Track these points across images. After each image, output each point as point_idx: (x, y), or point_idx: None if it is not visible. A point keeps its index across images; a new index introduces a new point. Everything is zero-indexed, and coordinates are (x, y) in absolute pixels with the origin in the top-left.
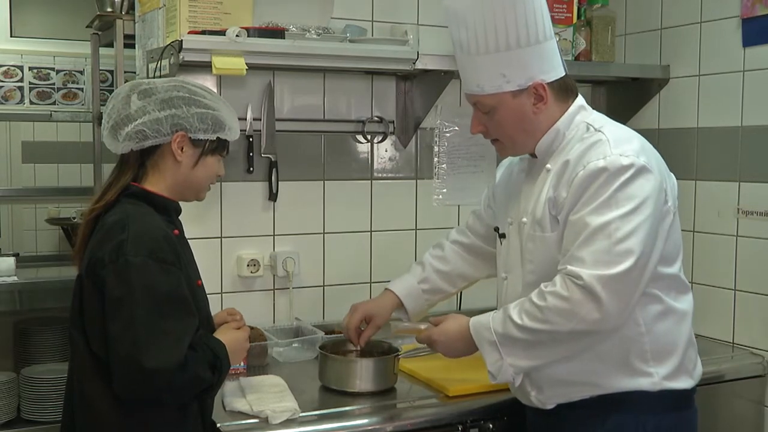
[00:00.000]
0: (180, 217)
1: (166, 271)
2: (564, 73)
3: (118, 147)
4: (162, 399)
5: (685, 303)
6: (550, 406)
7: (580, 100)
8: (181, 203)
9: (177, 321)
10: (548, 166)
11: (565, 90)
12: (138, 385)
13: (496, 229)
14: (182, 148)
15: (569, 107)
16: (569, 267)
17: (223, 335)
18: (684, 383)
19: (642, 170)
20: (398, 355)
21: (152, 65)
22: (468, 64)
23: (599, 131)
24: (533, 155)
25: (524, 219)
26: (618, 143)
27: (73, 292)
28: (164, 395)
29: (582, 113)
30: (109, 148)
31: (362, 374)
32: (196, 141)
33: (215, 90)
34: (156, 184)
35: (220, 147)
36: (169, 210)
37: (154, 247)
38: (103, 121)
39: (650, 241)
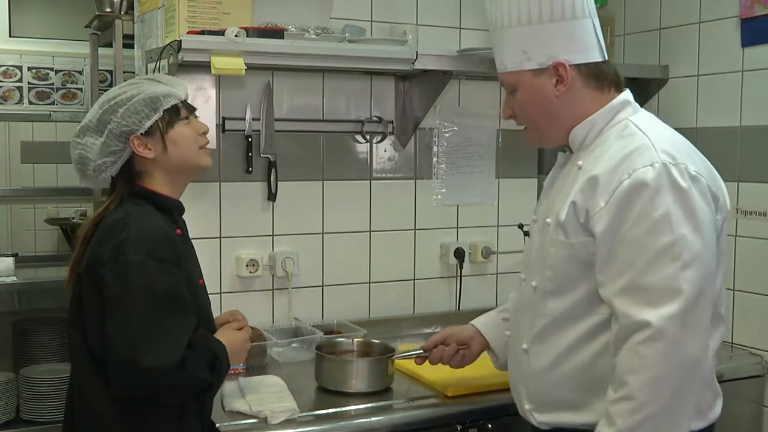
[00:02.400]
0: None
1: (166, 270)
2: (600, 59)
3: (98, 183)
4: (159, 398)
5: (712, 340)
6: (543, 428)
7: (626, 95)
8: (183, 202)
9: (175, 320)
10: (580, 162)
11: (598, 77)
12: (135, 384)
13: (520, 227)
14: (146, 146)
15: (611, 100)
16: (634, 312)
17: (223, 336)
18: (694, 424)
19: (694, 180)
20: (393, 356)
21: (151, 65)
22: (495, 40)
23: (642, 132)
24: (569, 149)
25: (548, 219)
26: (665, 148)
27: (72, 291)
28: (162, 395)
29: (627, 110)
30: (95, 188)
31: (358, 374)
32: (149, 131)
33: (213, 90)
34: (153, 184)
35: (173, 117)
36: (171, 209)
37: (153, 246)
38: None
39: (713, 261)
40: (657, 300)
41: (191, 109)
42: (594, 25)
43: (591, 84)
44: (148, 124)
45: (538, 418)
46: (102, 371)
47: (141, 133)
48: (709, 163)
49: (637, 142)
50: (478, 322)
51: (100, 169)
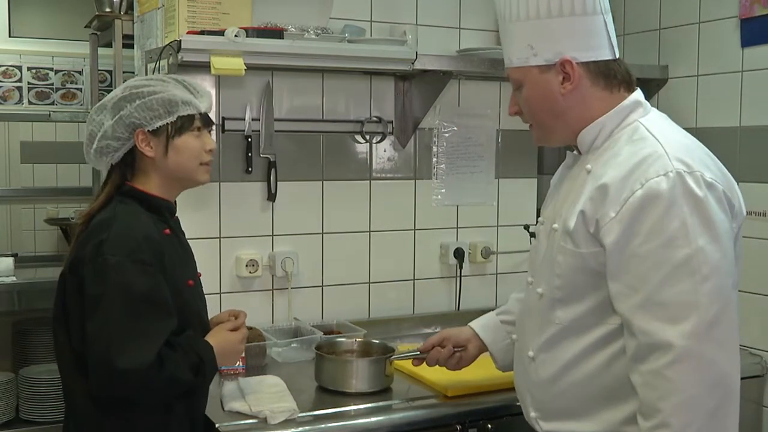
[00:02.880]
0: (178, 217)
1: (144, 271)
2: (611, 57)
3: (100, 164)
4: (136, 399)
5: None
6: None
7: (637, 95)
8: (181, 201)
9: (151, 322)
10: (588, 166)
11: (607, 77)
12: (111, 384)
13: (526, 228)
14: (149, 144)
15: (621, 100)
16: (654, 330)
17: (214, 336)
18: None
19: (710, 188)
20: (391, 356)
21: (151, 65)
22: (503, 33)
23: (653, 136)
24: (578, 150)
25: (555, 225)
26: (678, 156)
27: (57, 290)
28: (138, 395)
29: (638, 111)
30: (94, 167)
31: (358, 374)
32: (157, 131)
33: (213, 90)
34: (145, 183)
35: (186, 125)
36: (160, 209)
37: (133, 247)
38: None
39: (733, 270)
40: (675, 316)
41: (208, 124)
42: (606, 22)
43: (600, 83)
44: (158, 124)
45: (544, 427)
46: (86, 370)
47: (148, 130)
48: (723, 167)
49: (649, 149)
50: (476, 324)
51: (102, 151)
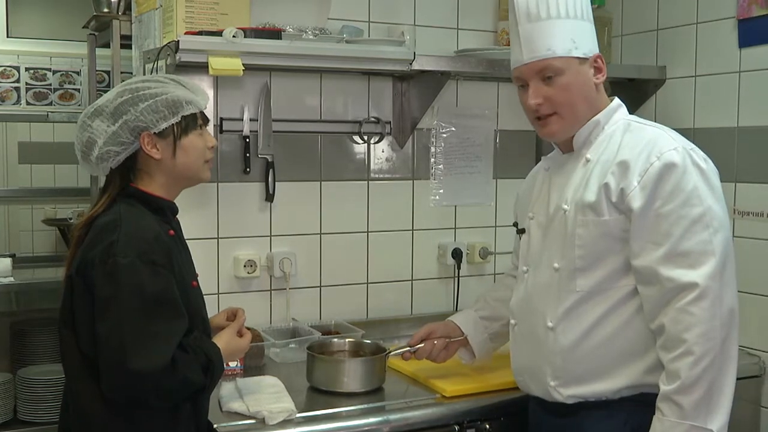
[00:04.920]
0: (177, 217)
1: (155, 272)
2: None
3: (98, 170)
4: (149, 401)
5: None
6: (570, 401)
7: (618, 100)
8: (179, 202)
9: (165, 323)
10: (588, 156)
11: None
12: (124, 386)
13: (515, 225)
14: (155, 146)
15: (609, 102)
16: (679, 275)
17: (220, 339)
18: None
19: (706, 162)
20: (385, 354)
21: (149, 66)
22: (536, 30)
23: (650, 126)
24: (563, 150)
25: (565, 206)
26: (676, 138)
27: (63, 292)
28: (151, 397)
29: (621, 111)
30: (92, 174)
31: (350, 374)
32: (162, 132)
33: (211, 91)
34: (149, 185)
35: (191, 124)
36: (164, 210)
37: (144, 249)
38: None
39: (729, 226)
40: (696, 263)
41: (206, 120)
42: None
43: (603, 84)
44: (165, 125)
45: (565, 393)
46: (93, 371)
47: (154, 133)
48: None
49: (653, 132)
50: (456, 319)
51: (104, 157)
